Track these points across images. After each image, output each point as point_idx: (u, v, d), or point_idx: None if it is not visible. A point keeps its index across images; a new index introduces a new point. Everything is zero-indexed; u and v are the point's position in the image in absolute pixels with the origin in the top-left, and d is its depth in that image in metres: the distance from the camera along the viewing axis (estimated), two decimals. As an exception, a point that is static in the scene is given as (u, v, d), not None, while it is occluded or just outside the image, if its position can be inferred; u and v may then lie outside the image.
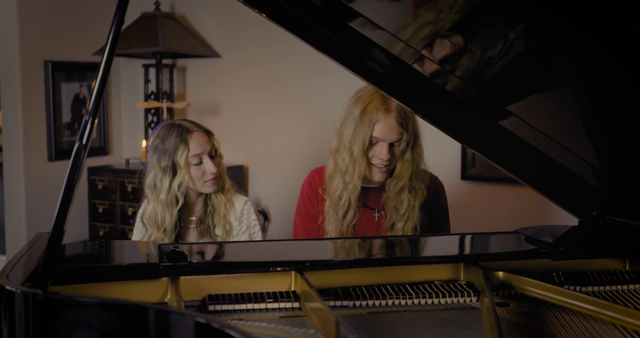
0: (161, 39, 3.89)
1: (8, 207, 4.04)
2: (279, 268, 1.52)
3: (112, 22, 1.37)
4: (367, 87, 2.12)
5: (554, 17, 1.54)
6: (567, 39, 1.57)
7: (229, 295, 1.45)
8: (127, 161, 4.26)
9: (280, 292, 1.47)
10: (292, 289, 1.50)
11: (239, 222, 2.39)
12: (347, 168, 2.11)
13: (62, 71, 4.11)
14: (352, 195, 2.13)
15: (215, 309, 1.43)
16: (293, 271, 1.51)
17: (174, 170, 2.25)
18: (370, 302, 1.49)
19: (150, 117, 4.20)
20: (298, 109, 3.96)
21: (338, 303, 1.48)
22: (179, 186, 2.25)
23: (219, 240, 2.33)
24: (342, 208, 2.15)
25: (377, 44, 1.57)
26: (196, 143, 2.26)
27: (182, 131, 2.27)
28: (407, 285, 1.55)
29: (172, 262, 1.51)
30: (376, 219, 2.22)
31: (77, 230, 4.18)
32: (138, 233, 2.39)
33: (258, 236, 2.42)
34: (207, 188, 2.30)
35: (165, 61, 4.23)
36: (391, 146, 2.10)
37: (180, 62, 4.36)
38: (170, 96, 4.24)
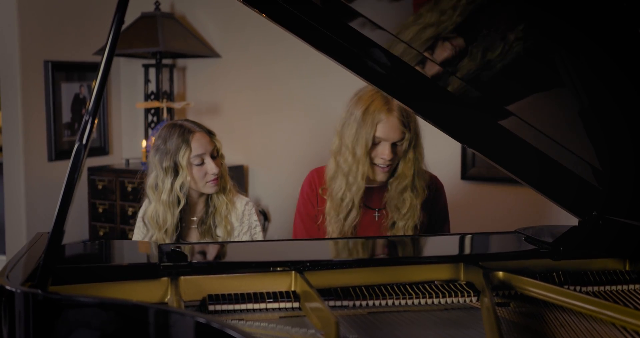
0: (161, 39, 3.89)
1: (8, 207, 4.04)
2: (279, 268, 1.52)
3: (112, 22, 1.37)
4: (367, 87, 2.12)
5: (554, 17, 1.54)
6: (567, 39, 1.57)
7: (229, 295, 1.45)
8: (127, 161, 4.26)
9: (280, 292, 1.47)
10: (292, 289, 1.50)
11: (240, 223, 2.38)
12: (349, 168, 2.11)
13: (62, 71, 4.11)
14: (356, 196, 2.13)
15: (215, 309, 1.43)
16: (293, 271, 1.51)
17: (175, 170, 2.25)
18: (370, 302, 1.49)
19: (150, 117, 4.20)
20: (298, 109, 3.96)
21: (338, 303, 1.48)
22: (181, 187, 2.25)
23: (220, 240, 2.33)
24: (344, 209, 2.15)
25: (377, 44, 1.57)
26: (198, 144, 2.26)
27: (184, 131, 2.26)
28: (407, 285, 1.55)
29: (172, 262, 1.51)
30: (376, 219, 2.22)
31: (77, 230, 4.18)
32: (139, 233, 2.39)
33: (259, 236, 2.42)
34: (209, 189, 2.30)
35: (165, 61, 4.23)
36: (394, 145, 2.10)
37: (180, 62, 4.36)
38: (170, 96, 4.24)
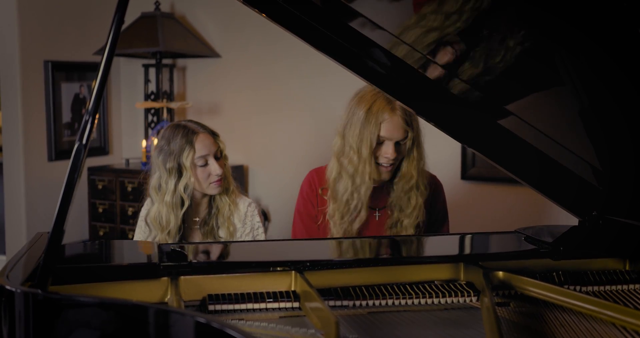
0: (161, 39, 3.89)
1: (8, 207, 4.04)
2: (279, 268, 1.52)
3: (112, 22, 1.37)
4: (367, 86, 2.12)
5: (554, 17, 1.54)
6: (567, 39, 1.57)
7: (229, 294, 1.45)
8: (127, 161, 4.26)
9: (280, 292, 1.47)
10: (292, 289, 1.50)
11: (242, 224, 2.38)
12: (355, 169, 2.10)
13: (62, 71, 4.11)
14: (365, 196, 2.12)
15: (215, 309, 1.43)
16: (293, 271, 1.51)
17: (179, 171, 2.24)
18: (370, 302, 1.49)
19: (150, 117, 4.20)
20: (298, 109, 3.96)
21: (338, 303, 1.48)
22: (185, 188, 2.24)
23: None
24: (353, 211, 2.14)
25: (377, 44, 1.57)
26: (202, 145, 2.25)
27: (188, 132, 2.25)
28: (407, 285, 1.55)
29: (172, 262, 1.51)
30: (377, 218, 2.22)
31: (77, 230, 4.18)
32: (140, 233, 2.37)
33: (261, 238, 2.41)
34: (212, 190, 2.29)
35: (165, 61, 4.23)
36: (397, 144, 2.11)
37: (180, 62, 4.36)
38: (170, 96, 4.24)
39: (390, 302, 1.50)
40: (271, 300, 1.45)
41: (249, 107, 4.13)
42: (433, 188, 2.24)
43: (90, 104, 1.35)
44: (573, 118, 1.73)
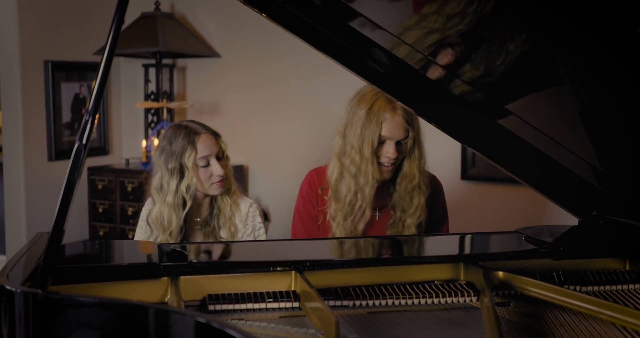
0: (161, 39, 3.89)
1: (8, 207, 4.05)
2: (279, 268, 1.52)
3: (112, 22, 1.37)
4: (368, 86, 2.12)
5: (554, 17, 1.54)
6: (567, 39, 1.57)
7: (229, 294, 1.45)
8: (127, 161, 4.26)
9: (280, 292, 1.47)
10: (292, 289, 1.50)
11: (244, 224, 2.37)
12: (358, 168, 2.10)
13: (62, 71, 4.11)
14: (369, 196, 2.12)
15: (215, 309, 1.43)
16: (293, 271, 1.51)
17: (181, 172, 2.24)
18: (370, 302, 1.49)
19: (150, 117, 4.20)
20: (298, 109, 3.96)
21: (338, 303, 1.48)
22: (187, 189, 2.24)
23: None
24: (358, 211, 2.14)
25: (377, 44, 1.57)
26: (204, 145, 2.25)
27: (190, 132, 2.25)
28: (407, 285, 1.55)
29: (172, 262, 1.51)
30: (377, 218, 2.22)
31: (77, 230, 4.18)
32: (141, 233, 2.37)
33: (262, 238, 2.41)
34: (214, 190, 2.29)
35: (165, 61, 4.23)
36: (398, 143, 2.11)
37: (180, 62, 4.36)
38: (170, 96, 4.24)
39: (390, 302, 1.50)
40: (271, 300, 1.45)
41: (249, 107, 4.13)
42: (433, 188, 2.24)
43: (90, 104, 1.35)
44: (573, 118, 1.73)
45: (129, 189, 3.97)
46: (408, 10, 1.63)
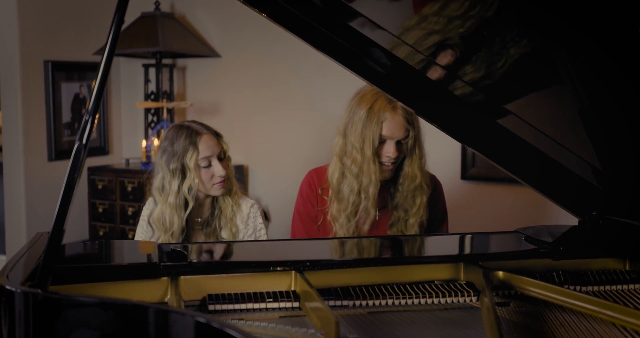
0: (161, 39, 3.89)
1: (8, 207, 4.05)
2: (279, 268, 1.52)
3: (112, 22, 1.37)
4: (368, 86, 2.11)
5: (554, 17, 1.54)
6: (567, 39, 1.57)
7: (229, 294, 1.45)
8: (127, 161, 4.26)
9: (280, 292, 1.47)
10: (292, 289, 1.50)
11: (245, 225, 2.37)
12: (360, 168, 2.10)
13: (62, 71, 4.11)
14: (373, 195, 2.11)
15: (215, 309, 1.43)
16: (293, 271, 1.51)
17: (183, 172, 2.23)
18: (370, 302, 1.49)
19: (150, 117, 4.20)
20: (298, 109, 3.96)
21: (338, 303, 1.48)
22: (189, 189, 2.23)
23: (223, 242, 2.32)
24: (362, 211, 2.13)
25: (377, 43, 1.57)
26: (205, 146, 2.24)
27: (192, 133, 2.24)
28: (407, 285, 1.55)
29: (172, 262, 1.51)
30: (377, 218, 2.22)
31: (77, 230, 4.18)
32: (142, 233, 2.36)
33: (264, 239, 2.41)
34: (216, 191, 2.29)
35: (165, 61, 4.23)
36: (398, 143, 2.11)
37: (180, 62, 4.36)
38: (170, 96, 4.24)
39: (390, 302, 1.50)
40: (271, 300, 1.45)
41: (249, 107, 4.13)
42: (432, 188, 2.24)
43: (90, 104, 1.35)
44: (573, 118, 1.73)
45: (129, 189, 3.97)
46: (408, 11, 1.63)
